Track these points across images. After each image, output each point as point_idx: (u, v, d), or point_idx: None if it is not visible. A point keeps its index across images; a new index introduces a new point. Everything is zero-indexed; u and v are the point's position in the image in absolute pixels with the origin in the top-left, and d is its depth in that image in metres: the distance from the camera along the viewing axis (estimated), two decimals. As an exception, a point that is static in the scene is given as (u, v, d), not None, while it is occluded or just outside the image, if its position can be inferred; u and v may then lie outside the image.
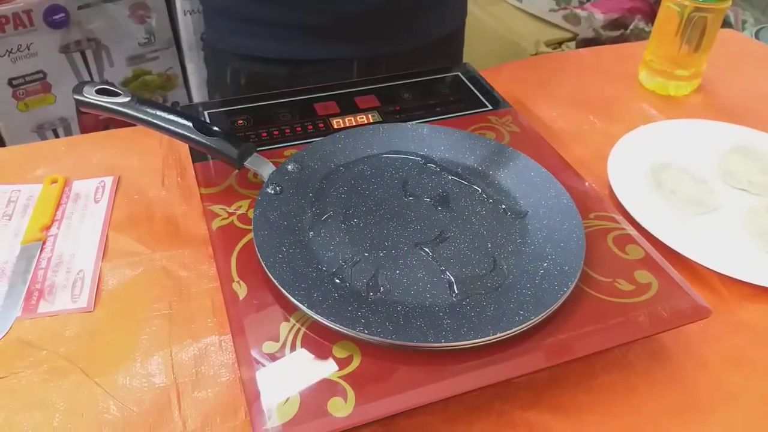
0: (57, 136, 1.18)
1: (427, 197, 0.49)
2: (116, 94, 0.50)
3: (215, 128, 0.49)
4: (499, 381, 0.37)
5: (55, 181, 0.59)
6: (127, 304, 0.48)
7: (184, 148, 0.63)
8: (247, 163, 0.49)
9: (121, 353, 0.44)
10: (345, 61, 0.73)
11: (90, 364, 0.43)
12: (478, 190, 0.50)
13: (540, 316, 0.39)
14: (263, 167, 0.49)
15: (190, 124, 0.49)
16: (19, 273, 0.50)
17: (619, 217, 0.50)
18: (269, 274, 0.41)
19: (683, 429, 0.41)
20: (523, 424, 0.40)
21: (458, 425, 0.40)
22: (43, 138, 1.16)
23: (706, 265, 0.51)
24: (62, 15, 1.07)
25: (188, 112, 0.51)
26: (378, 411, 0.35)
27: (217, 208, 0.48)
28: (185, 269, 0.51)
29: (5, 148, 0.65)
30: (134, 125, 0.52)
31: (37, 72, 1.11)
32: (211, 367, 0.43)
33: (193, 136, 0.48)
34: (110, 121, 1.27)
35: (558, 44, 1.36)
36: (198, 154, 0.54)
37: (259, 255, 0.42)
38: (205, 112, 0.59)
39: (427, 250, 0.44)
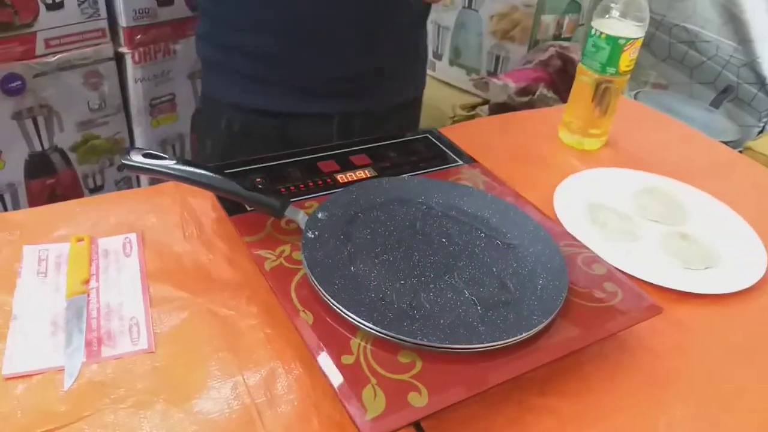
0: (3, 202, 1.15)
1: (435, 235, 0.59)
2: (161, 158, 0.57)
3: (258, 185, 0.57)
4: (531, 369, 0.47)
5: (81, 240, 0.63)
6: (186, 342, 0.53)
7: (198, 204, 0.70)
8: (286, 213, 0.57)
9: (197, 383, 0.49)
10: (328, 115, 0.84)
11: (171, 395, 0.48)
12: (473, 228, 0.61)
13: (549, 318, 0.50)
14: (297, 216, 0.58)
15: (236, 183, 0.56)
16: (72, 323, 0.54)
17: (581, 243, 0.63)
18: (334, 303, 0.48)
19: (647, 402, 0.53)
20: (540, 408, 0.50)
21: (493, 413, 0.49)
22: (-11, 203, 1.14)
23: (641, 278, 0.65)
24: (19, 83, 1.08)
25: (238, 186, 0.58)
26: (448, 399, 0.43)
27: (263, 252, 0.55)
28: (228, 309, 0.57)
29: (20, 210, 0.67)
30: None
31: (-13, 138, 1.10)
32: (281, 387, 0.49)
33: (242, 192, 0.56)
34: (56, 186, 1.27)
35: (472, 108, 1.54)
36: (232, 209, 0.61)
37: (320, 287, 0.50)
38: (225, 172, 0.66)
39: (449, 276, 0.54)
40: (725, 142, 1.18)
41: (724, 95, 1.59)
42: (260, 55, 0.81)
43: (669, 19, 1.78)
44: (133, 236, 0.64)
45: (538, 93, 1.28)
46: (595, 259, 0.60)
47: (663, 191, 0.83)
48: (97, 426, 0.45)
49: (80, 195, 1.26)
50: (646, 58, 1.85)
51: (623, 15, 0.84)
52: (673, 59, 1.80)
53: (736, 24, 1.63)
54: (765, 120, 1.61)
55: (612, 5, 0.85)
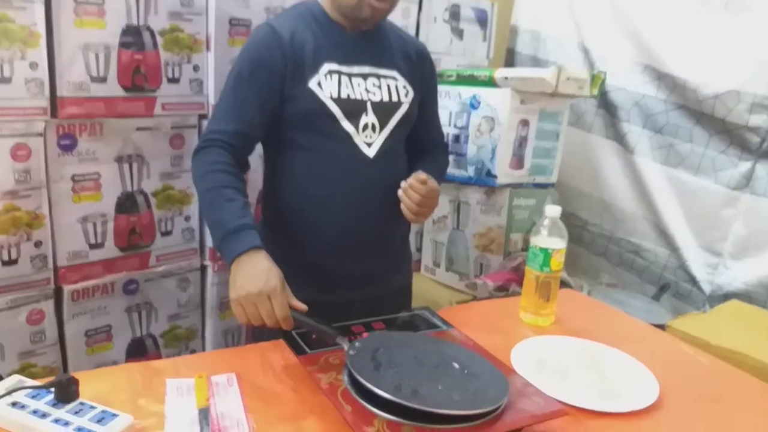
0: (107, 374, 1.48)
1: (426, 364, 0.92)
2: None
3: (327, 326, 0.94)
4: (480, 436, 0.78)
5: (201, 376, 0.96)
6: (278, 428, 0.84)
7: (271, 357, 1.03)
8: (338, 340, 0.93)
9: (281, 450, 0.79)
10: (350, 302, 1.19)
11: (266, 456, 0.78)
12: (452, 363, 0.94)
13: (493, 407, 0.81)
14: (344, 341, 0.93)
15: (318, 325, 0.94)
16: (203, 422, 0.85)
17: (522, 377, 0.95)
18: (363, 402, 0.81)
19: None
20: (492, 469, 0.79)
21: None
22: (97, 376, 1.46)
23: (568, 402, 0.95)
24: (135, 286, 1.49)
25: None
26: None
27: (321, 375, 0.89)
28: (297, 413, 0.88)
29: (160, 360, 1.02)
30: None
31: (106, 326, 1.46)
32: (331, 453, 0.79)
33: (322, 328, 0.94)
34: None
35: (464, 303, 1.91)
36: (298, 351, 0.95)
37: (356, 394, 0.82)
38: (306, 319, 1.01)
39: (433, 386, 0.86)
40: (659, 325, 1.52)
41: (662, 291, 1.96)
42: (308, 265, 1.20)
43: (617, 235, 2.23)
44: (233, 375, 0.98)
45: (511, 289, 1.66)
46: (530, 385, 0.92)
47: (591, 350, 1.15)
48: (224, 471, 0.75)
49: (160, 372, 1.58)
50: (604, 264, 2.27)
51: (550, 234, 1.25)
52: (624, 265, 2.21)
53: (665, 237, 2.07)
54: (702, 310, 1.96)
55: (542, 228, 1.26)
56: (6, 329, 1.31)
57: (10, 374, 0.90)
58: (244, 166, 1.18)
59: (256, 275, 0.97)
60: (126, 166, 1.44)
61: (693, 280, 1.99)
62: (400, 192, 1.18)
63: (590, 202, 2.30)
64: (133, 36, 1.38)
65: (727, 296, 1.88)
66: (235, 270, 1.00)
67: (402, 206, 1.18)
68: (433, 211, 1.25)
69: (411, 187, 1.16)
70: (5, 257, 1.29)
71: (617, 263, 2.24)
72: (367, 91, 1.19)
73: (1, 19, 1.22)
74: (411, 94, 1.25)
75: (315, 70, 1.16)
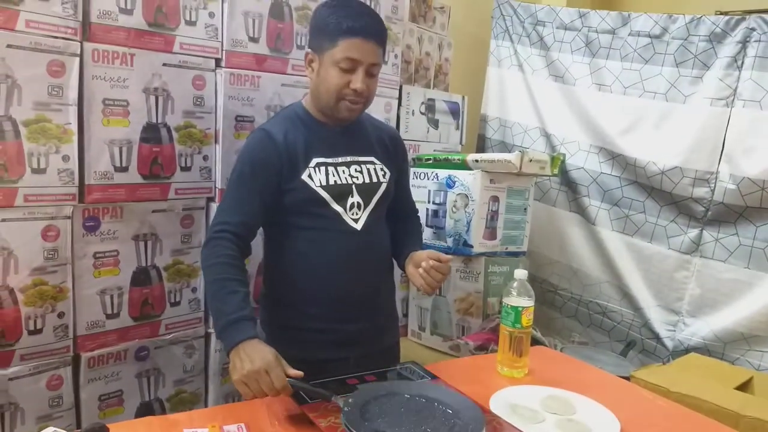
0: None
1: (413, 409, 1.02)
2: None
3: (320, 388, 1.03)
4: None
5: (214, 426, 1.04)
6: (279, 470, 0.92)
7: (275, 408, 1.12)
8: (332, 398, 1.01)
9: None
10: (346, 358, 1.30)
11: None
12: (440, 407, 1.03)
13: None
14: (339, 401, 1.01)
15: (314, 388, 1.03)
16: (217, 463, 0.93)
17: (496, 415, 1.04)
18: (359, 437, 0.90)
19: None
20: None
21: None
22: None
23: (540, 441, 1.05)
24: (146, 353, 1.57)
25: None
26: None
27: (321, 420, 0.98)
28: (300, 457, 0.96)
29: (176, 414, 1.10)
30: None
31: (118, 390, 1.53)
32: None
33: (317, 390, 1.02)
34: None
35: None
36: (300, 401, 1.04)
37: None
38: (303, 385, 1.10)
39: (420, 427, 0.95)
40: (625, 377, 1.62)
41: (628, 348, 2.07)
42: (308, 328, 1.31)
43: (585, 298, 2.35)
44: (242, 425, 1.06)
45: (490, 348, 1.76)
46: (505, 422, 1.02)
47: (560, 397, 1.25)
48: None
49: (166, 436, 1.63)
50: (576, 326, 2.38)
51: (519, 294, 1.37)
52: (594, 325, 2.32)
53: (628, 298, 2.20)
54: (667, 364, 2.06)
55: (512, 289, 1.38)
56: (27, 394, 1.37)
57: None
58: (246, 251, 1.31)
59: (253, 356, 1.07)
60: (142, 244, 1.56)
61: (657, 337, 2.10)
62: (420, 270, 1.29)
63: (560, 268, 2.44)
64: (152, 132, 1.53)
65: (688, 350, 1.99)
66: (234, 356, 1.10)
67: (419, 283, 1.29)
68: None
69: (434, 268, 1.28)
70: (31, 327, 1.38)
71: (587, 324, 2.35)
72: (351, 176, 1.35)
73: (39, 120, 1.37)
74: (388, 174, 1.42)
75: (306, 164, 1.32)
